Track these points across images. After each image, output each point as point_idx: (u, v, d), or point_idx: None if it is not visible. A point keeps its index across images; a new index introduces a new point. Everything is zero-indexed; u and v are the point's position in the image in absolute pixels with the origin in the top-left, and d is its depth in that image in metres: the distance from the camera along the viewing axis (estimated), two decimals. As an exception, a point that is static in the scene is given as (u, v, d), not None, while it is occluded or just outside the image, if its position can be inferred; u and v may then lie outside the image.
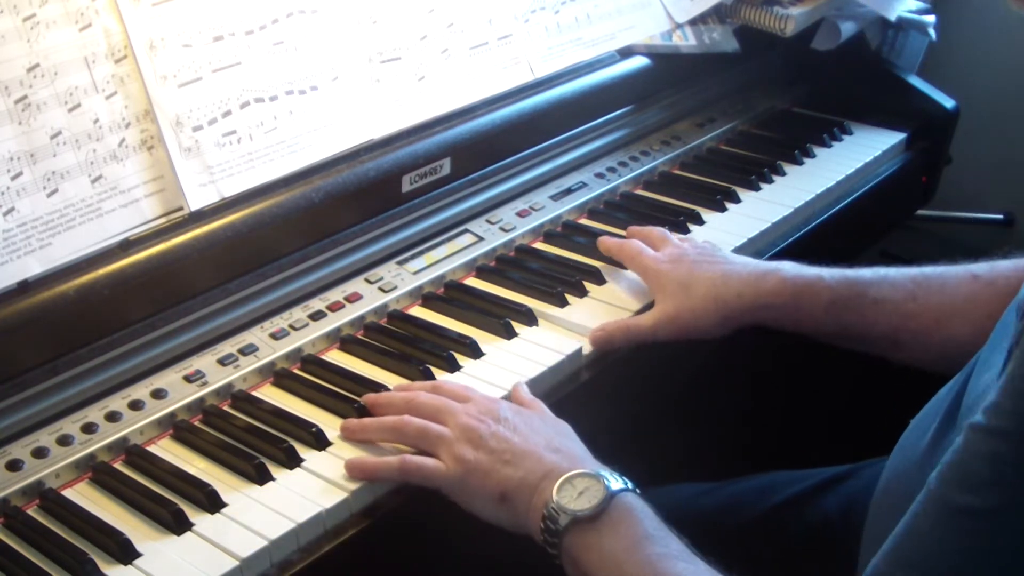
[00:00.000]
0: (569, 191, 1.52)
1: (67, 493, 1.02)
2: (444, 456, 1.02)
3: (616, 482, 0.96)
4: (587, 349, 1.23)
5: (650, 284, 1.30)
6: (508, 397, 1.13)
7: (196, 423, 1.11)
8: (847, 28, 1.74)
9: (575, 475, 0.97)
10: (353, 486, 1.02)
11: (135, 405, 1.10)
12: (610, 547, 0.93)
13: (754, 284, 1.23)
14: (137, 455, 1.06)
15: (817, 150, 1.71)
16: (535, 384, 1.17)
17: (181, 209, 1.16)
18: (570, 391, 1.19)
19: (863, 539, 1.06)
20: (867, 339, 1.23)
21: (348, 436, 1.08)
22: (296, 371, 1.19)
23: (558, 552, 0.96)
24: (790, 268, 1.25)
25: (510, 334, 1.24)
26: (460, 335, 1.23)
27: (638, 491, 0.97)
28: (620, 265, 1.36)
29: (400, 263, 1.34)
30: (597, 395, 1.22)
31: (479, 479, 1.00)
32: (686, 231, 1.47)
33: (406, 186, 1.34)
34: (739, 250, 1.43)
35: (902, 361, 1.23)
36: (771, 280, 1.23)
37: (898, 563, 0.77)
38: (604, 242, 1.37)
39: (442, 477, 1.01)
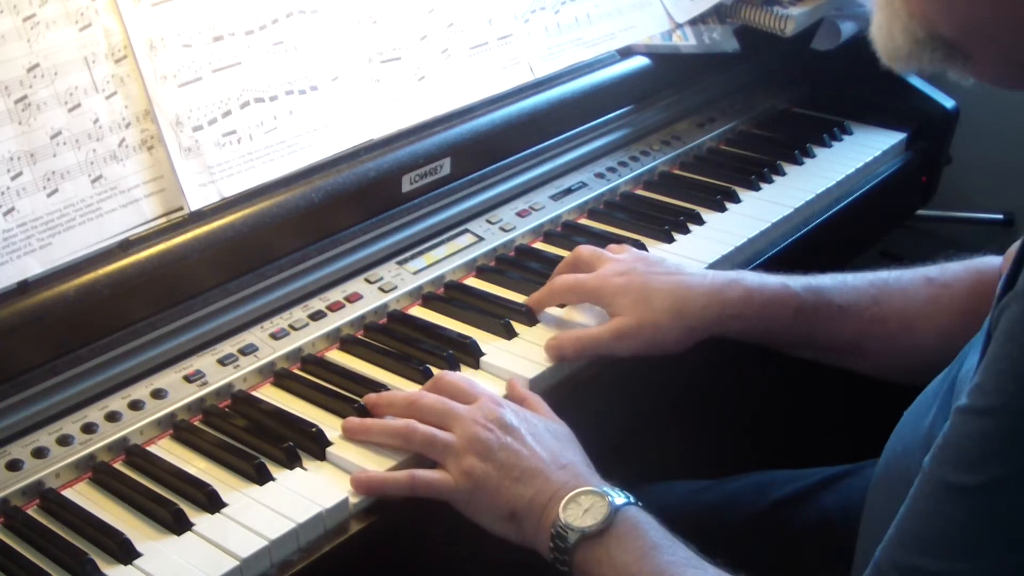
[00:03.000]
0: (569, 191, 1.52)
1: (67, 493, 1.02)
2: (451, 467, 1.02)
3: (619, 497, 0.97)
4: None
5: (604, 302, 1.23)
6: (506, 394, 1.13)
7: (196, 423, 1.11)
8: (847, 28, 1.74)
9: (579, 493, 0.98)
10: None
11: (135, 405, 1.10)
12: (621, 560, 0.94)
13: (719, 295, 1.19)
14: (137, 455, 1.06)
15: (817, 150, 1.71)
16: (535, 384, 1.17)
17: (181, 209, 1.16)
18: (569, 390, 1.19)
19: (860, 530, 1.06)
20: (831, 347, 1.22)
21: (349, 435, 1.07)
22: (296, 371, 1.19)
23: (570, 569, 0.97)
24: (753, 277, 1.23)
25: (510, 334, 1.24)
26: (460, 335, 1.23)
27: (640, 504, 0.98)
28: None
29: (400, 263, 1.34)
30: (596, 394, 1.22)
31: (488, 495, 1.00)
32: (686, 231, 1.46)
33: (406, 186, 1.34)
34: (740, 250, 1.43)
35: (866, 371, 1.22)
36: (736, 290, 1.20)
37: (908, 548, 0.78)
38: (532, 299, 1.27)
39: (451, 491, 1.01)
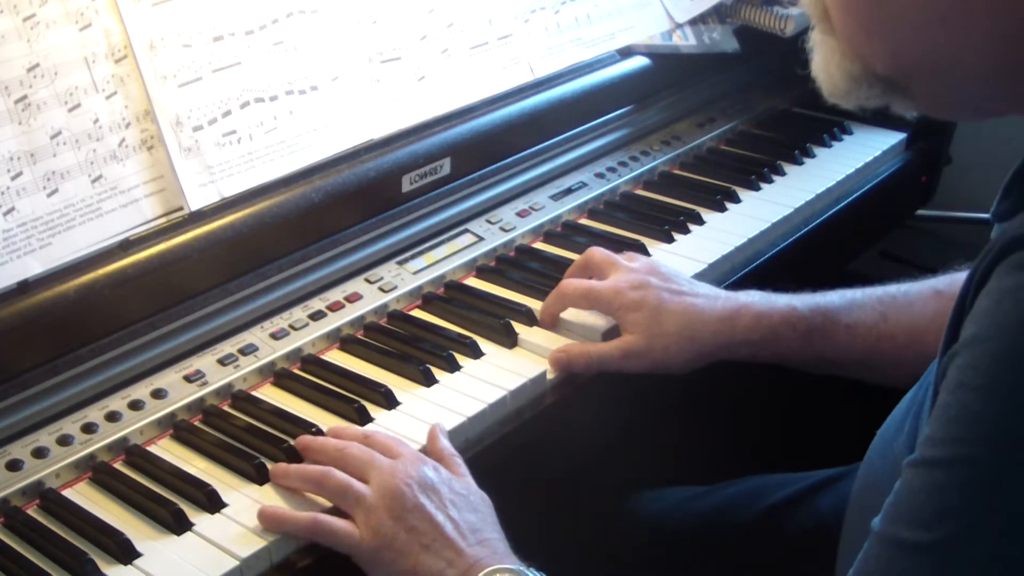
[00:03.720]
0: (569, 191, 1.52)
1: (67, 493, 1.02)
2: (360, 521, 0.96)
3: None
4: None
5: (615, 315, 1.22)
6: (423, 449, 1.06)
7: (196, 423, 1.11)
8: (847, 28, 1.74)
9: (496, 571, 0.92)
10: (353, 486, 1.02)
11: (135, 405, 1.10)
12: None
13: (729, 322, 1.19)
14: (137, 455, 1.06)
15: (817, 150, 1.71)
16: (535, 384, 1.17)
17: (181, 209, 1.16)
18: (567, 393, 1.19)
19: (838, 549, 1.05)
20: (841, 364, 1.22)
21: (274, 480, 1.02)
22: (296, 371, 1.19)
23: None
24: (761, 301, 1.22)
25: (510, 334, 1.24)
26: (460, 335, 1.23)
27: None
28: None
29: (400, 263, 1.34)
30: (595, 397, 1.22)
31: (393, 556, 0.94)
32: (686, 231, 1.46)
33: (406, 186, 1.34)
34: (739, 250, 1.43)
35: (875, 382, 1.22)
36: (746, 316, 1.20)
37: None
38: (543, 313, 1.26)
39: (354, 546, 0.96)
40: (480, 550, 0.94)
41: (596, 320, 1.25)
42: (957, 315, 0.77)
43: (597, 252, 1.29)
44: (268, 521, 0.98)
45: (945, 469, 0.70)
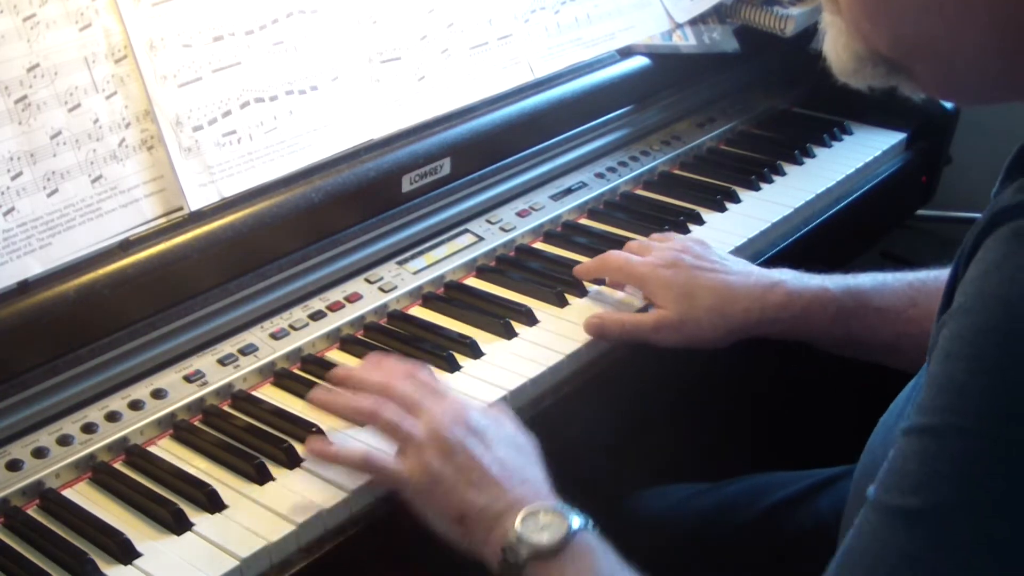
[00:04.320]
0: (569, 191, 1.52)
1: (67, 493, 1.02)
2: (410, 457, 0.99)
3: (578, 519, 0.94)
4: (587, 350, 1.23)
5: (649, 291, 1.26)
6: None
7: (196, 423, 1.11)
8: (847, 28, 1.74)
9: (539, 508, 0.94)
10: (353, 486, 1.02)
11: (135, 405, 1.10)
12: None
13: (760, 299, 1.21)
14: (137, 455, 1.06)
15: (817, 150, 1.71)
16: (535, 384, 1.17)
17: (181, 209, 1.16)
18: (568, 392, 1.19)
19: (838, 548, 1.05)
20: (870, 347, 1.22)
21: (315, 403, 1.06)
22: (296, 371, 1.19)
23: None
24: (793, 280, 1.23)
25: (510, 334, 1.24)
26: (460, 335, 1.23)
27: (597, 529, 0.95)
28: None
29: (400, 263, 1.34)
30: (595, 396, 1.22)
31: (441, 494, 0.97)
32: (686, 231, 1.46)
33: (406, 186, 1.34)
34: (739, 250, 1.43)
35: (901, 366, 1.22)
36: (777, 294, 1.22)
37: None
38: (580, 268, 1.33)
39: (404, 481, 0.99)
40: (523, 488, 0.97)
41: (630, 299, 1.29)
42: (951, 284, 0.78)
43: (634, 241, 1.35)
44: (320, 454, 1.02)
45: (936, 437, 0.70)
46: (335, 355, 1.22)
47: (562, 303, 1.30)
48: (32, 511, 1.00)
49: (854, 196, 1.63)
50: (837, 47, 0.84)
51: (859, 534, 0.75)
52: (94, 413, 1.08)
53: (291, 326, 1.22)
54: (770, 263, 1.43)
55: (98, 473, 1.04)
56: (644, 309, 1.28)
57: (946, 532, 0.69)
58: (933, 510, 0.69)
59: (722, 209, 1.53)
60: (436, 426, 1.00)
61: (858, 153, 1.71)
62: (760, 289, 1.22)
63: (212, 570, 0.93)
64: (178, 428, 1.10)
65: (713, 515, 1.33)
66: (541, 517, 0.94)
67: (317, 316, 1.24)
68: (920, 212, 2.03)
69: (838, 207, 1.59)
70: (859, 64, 0.83)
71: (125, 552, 0.94)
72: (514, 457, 1.00)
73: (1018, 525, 0.67)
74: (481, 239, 1.40)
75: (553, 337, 1.24)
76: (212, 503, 1.00)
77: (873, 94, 0.88)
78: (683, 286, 1.23)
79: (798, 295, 1.21)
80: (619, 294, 1.32)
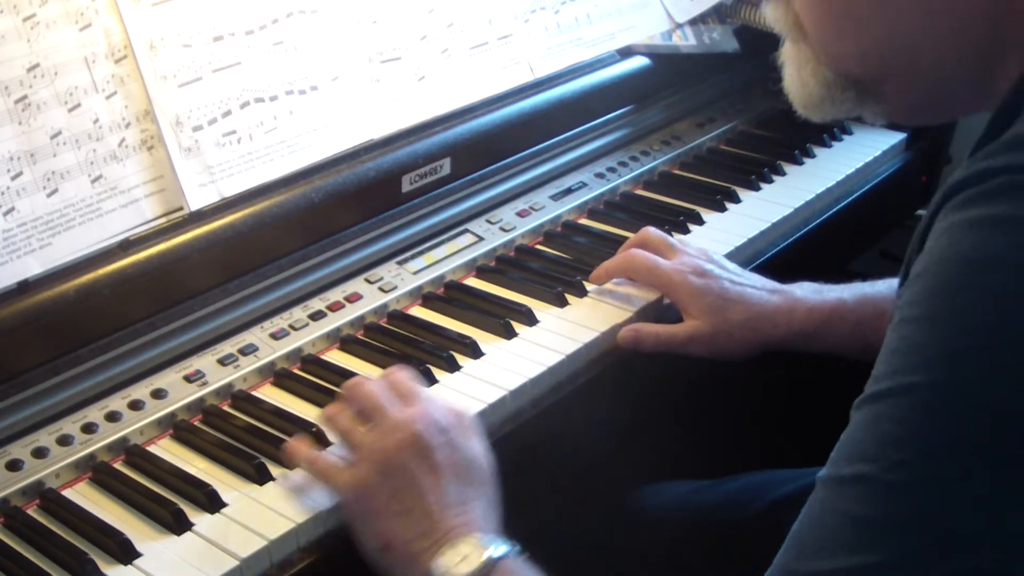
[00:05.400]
0: (569, 191, 1.52)
1: (67, 493, 1.02)
2: (350, 469, 0.97)
3: (502, 547, 0.91)
4: (586, 350, 1.23)
5: (678, 298, 1.26)
6: None
7: (196, 423, 1.11)
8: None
9: (460, 540, 0.91)
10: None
11: (135, 405, 1.10)
12: None
13: (786, 315, 1.24)
14: (137, 455, 1.06)
15: (817, 150, 1.71)
16: (535, 384, 1.17)
17: (181, 209, 1.16)
18: (569, 391, 1.19)
19: None
20: None
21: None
22: (296, 371, 1.19)
23: None
24: (812, 296, 1.25)
25: (510, 334, 1.24)
26: (460, 335, 1.23)
27: (524, 554, 0.92)
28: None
29: (400, 263, 1.34)
30: (596, 395, 1.22)
31: (370, 514, 0.94)
32: (686, 231, 1.46)
33: (406, 186, 1.34)
34: (739, 250, 1.43)
35: None
36: (800, 311, 1.24)
37: (804, 552, 0.73)
38: (601, 269, 1.31)
39: (337, 487, 0.97)
40: (458, 520, 0.93)
41: (639, 293, 1.30)
42: (908, 262, 0.78)
43: (653, 231, 1.34)
44: (289, 456, 1.03)
45: (885, 401, 0.70)
46: (335, 355, 1.22)
47: (562, 303, 1.30)
48: (32, 511, 1.00)
49: (854, 196, 1.63)
50: (803, 75, 0.85)
51: (809, 508, 0.74)
52: (94, 413, 1.08)
53: (291, 326, 1.22)
54: (770, 263, 1.43)
55: (98, 473, 1.04)
56: (659, 302, 1.29)
57: (900, 490, 0.68)
58: (885, 471, 0.68)
59: (722, 209, 1.53)
60: (385, 438, 0.96)
61: (858, 153, 1.71)
62: (786, 307, 1.24)
63: (212, 570, 0.93)
64: (178, 428, 1.10)
65: (714, 512, 1.33)
66: (461, 547, 0.91)
67: (317, 316, 1.24)
68: (920, 212, 2.02)
69: (838, 207, 1.59)
70: (827, 91, 0.84)
71: (125, 552, 0.94)
72: (457, 485, 0.95)
73: (967, 470, 0.66)
74: (481, 239, 1.40)
75: (553, 337, 1.24)
76: (212, 503, 1.00)
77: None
78: (716, 298, 1.24)
79: (819, 310, 1.24)
80: (620, 292, 1.31)
